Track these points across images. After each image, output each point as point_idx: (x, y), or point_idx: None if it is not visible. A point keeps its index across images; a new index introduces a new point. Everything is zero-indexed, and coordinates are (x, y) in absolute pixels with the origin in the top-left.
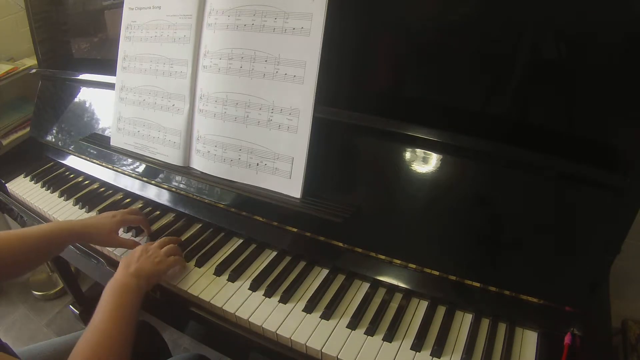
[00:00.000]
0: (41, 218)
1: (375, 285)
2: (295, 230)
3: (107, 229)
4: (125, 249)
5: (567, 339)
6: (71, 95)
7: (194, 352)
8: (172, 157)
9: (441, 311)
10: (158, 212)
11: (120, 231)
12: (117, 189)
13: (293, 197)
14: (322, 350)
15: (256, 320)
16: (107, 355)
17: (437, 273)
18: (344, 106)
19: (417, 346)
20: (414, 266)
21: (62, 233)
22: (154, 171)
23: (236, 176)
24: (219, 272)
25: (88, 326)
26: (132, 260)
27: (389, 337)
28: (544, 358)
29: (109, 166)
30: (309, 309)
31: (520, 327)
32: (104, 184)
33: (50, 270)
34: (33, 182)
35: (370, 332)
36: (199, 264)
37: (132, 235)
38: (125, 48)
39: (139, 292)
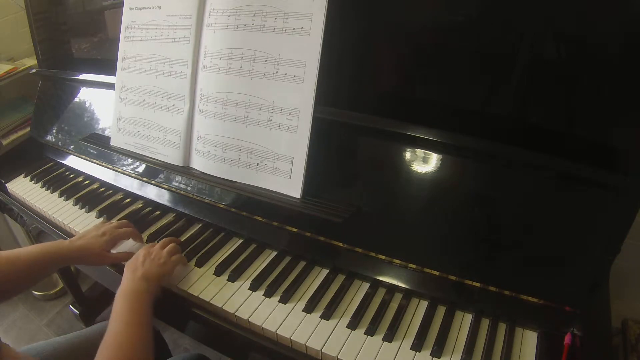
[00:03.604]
0: (41, 218)
1: (375, 285)
2: (295, 230)
3: (98, 250)
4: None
5: (567, 339)
6: (71, 95)
7: (194, 352)
8: (172, 157)
9: (441, 311)
10: (158, 212)
11: None
12: (117, 189)
13: (293, 197)
14: (322, 350)
15: (256, 320)
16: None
17: (437, 273)
18: (344, 106)
19: (417, 346)
20: (414, 266)
21: (52, 257)
22: (154, 171)
23: (236, 176)
24: (219, 272)
25: (105, 336)
26: (137, 264)
27: (389, 337)
28: (544, 358)
29: (109, 166)
30: (309, 309)
31: (520, 327)
32: (104, 184)
33: (53, 272)
34: (33, 182)
35: (370, 332)
36: (199, 264)
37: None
38: (125, 48)
39: (149, 296)
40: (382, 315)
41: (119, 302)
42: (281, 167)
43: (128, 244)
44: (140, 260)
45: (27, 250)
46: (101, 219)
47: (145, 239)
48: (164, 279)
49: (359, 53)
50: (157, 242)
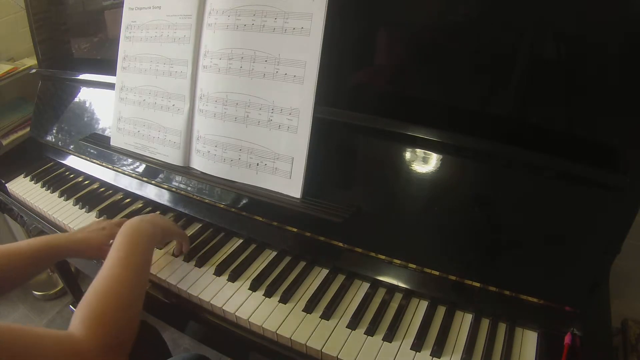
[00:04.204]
0: (41, 218)
1: (375, 285)
2: (295, 230)
3: (97, 243)
4: None
5: (567, 339)
6: (71, 95)
7: (194, 352)
8: (172, 157)
9: (441, 311)
10: (158, 213)
11: None
12: (117, 189)
13: (293, 197)
14: (322, 350)
15: (256, 320)
16: (116, 301)
17: (437, 273)
18: (344, 106)
19: (417, 346)
20: (414, 266)
21: (51, 250)
22: (154, 171)
23: (236, 176)
24: (219, 272)
25: (99, 272)
26: (146, 216)
27: (389, 337)
28: (544, 358)
29: (109, 166)
30: (309, 309)
31: (520, 327)
32: (104, 184)
33: (50, 270)
34: (33, 182)
35: (370, 332)
36: (199, 264)
37: None
38: (125, 48)
39: (152, 239)
40: (382, 315)
41: (118, 238)
42: (281, 167)
43: None
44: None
45: (26, 242)
46: (101, 219)
47: None
48: (169, 234)
49: (359, 53)
50: None
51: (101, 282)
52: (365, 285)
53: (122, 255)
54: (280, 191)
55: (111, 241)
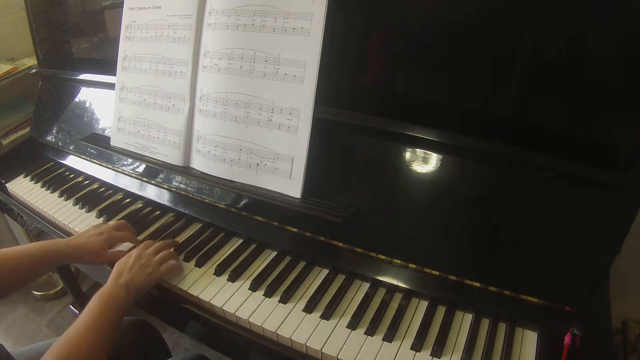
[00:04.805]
0: (41, 218)
1: (375, 285)
2: (295, 230)
3: (95, 248)
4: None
5: (567, 339)
6: (71, 95)
7: (194, 352)
8: (172, 157)
9: (441, 311)
10: (158, 212)
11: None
12: (117, 189)
13: (293, 197)
14: (322, 350)
15: (256, 320)
16: (82, 357)
17: (437, 273)
18: (344, 106)
19: (417, 346)
20: (414, 266)
21: (50, 255)
22: (154, 171)
23: (236, 176)
24: (219, 272)
25: (69, 328)
26: (124, 269)
27: (389, 337)
28: (544, 358)
29: (109, 166)
30: (309, 309)
31: (520, 327)
32: (104, 184)
33: (50, 270)
34: (33, 182)
35: (370, 332)
36: (199, 264)
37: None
38: (125, 48)
39: (125, 304)
40: (382, 315)
41: (92, 301)
42: (281, 167)
43: (125, 245)
44: (129, 263)
45: (25, 247)
46: (101, 219)
47: (144, 239)
48: (146, 289)
49: (360, 52)
50: (157, 241)
51: (71, 338)
52: (365, 285)
53: (93, 317)
54: (280, 191)
55: (108, 247)
